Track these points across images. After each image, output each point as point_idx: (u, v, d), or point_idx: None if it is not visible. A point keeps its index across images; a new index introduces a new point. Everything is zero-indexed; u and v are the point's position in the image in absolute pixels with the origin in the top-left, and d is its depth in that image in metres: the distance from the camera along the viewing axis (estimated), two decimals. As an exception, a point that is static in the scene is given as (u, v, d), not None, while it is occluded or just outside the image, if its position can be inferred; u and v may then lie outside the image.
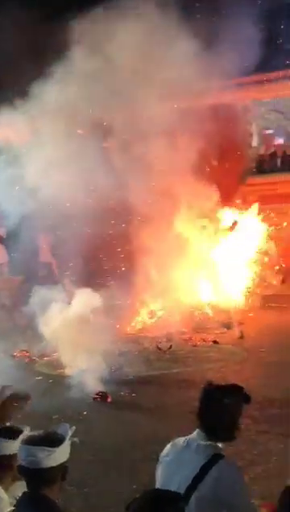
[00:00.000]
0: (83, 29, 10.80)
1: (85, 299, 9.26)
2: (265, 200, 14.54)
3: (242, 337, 11.21)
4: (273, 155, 15.70)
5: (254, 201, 14.45)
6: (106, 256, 12.33)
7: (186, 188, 12.56)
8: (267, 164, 15.79)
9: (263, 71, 13.97)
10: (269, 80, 14.41)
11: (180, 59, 11.11)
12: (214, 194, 12.96)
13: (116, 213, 11.72)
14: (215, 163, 13.27)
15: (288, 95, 15.39)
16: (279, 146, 15.87)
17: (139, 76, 10.99)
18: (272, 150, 15.80)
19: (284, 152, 15.74)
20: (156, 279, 12.41)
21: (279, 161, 15.55)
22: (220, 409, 3.55)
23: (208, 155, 13.03)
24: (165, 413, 7.48)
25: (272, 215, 14.20)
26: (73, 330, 8.90)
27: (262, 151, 16.04)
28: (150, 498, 2.69)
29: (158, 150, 11.47)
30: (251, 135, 16.31)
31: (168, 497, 2.77)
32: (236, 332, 11.50)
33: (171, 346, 10.82)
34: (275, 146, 15.81)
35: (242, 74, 13.09)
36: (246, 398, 3.62)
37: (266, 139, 16.12)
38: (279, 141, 15.86)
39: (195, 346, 11.04)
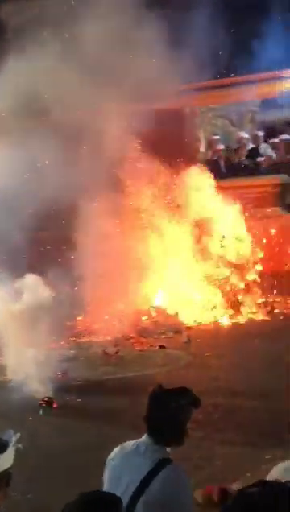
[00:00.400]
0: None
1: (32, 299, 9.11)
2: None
3: (188, 342, 11.26)
4: (217, 161, 15.85)
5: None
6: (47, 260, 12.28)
7: (132, 190, 12.62)
8: (213, 169, 15.91)
9: (211, 77, 14.10)
10: (217, 87, 14.54)
11: (131, 61, 11.16)
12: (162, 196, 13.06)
13: (55, 215, 11.63)
14: (163, 167, 13.31)
15: (236, 101, 15.54)
16: (222, 151, 16.03)
17: (89, 75, 11.00)
18: (218, 155, 15.96)
19: (227, 158, 15.91)
20: (102, 283, 12.40)
21: (222, 167, 15.71)
22: (167, 413, 3.55)
23: (157, 158, 13.09)
24: (112, 418, 7.46)
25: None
26: (17, 332, 8.77)
27: (209, 156, 16.16)
28: (86, 500, 2.66)
29: (105, 151, 11.50)
30: (199, 140, 16.43)
31: (105, 499, 2.74)
32: (183, 336, 11.54)
33: (118, 351, 10.81)
34: (218, 151, 15.97)
35: (192, 80, 13.20)
36: (195, 402, 3.62)
37: (213, 145, 16.25)
38: (221, 147, 16.03)
39: (142, 351, 11.04)
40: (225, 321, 12.63)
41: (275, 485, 2.30)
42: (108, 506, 2.67)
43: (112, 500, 2.74)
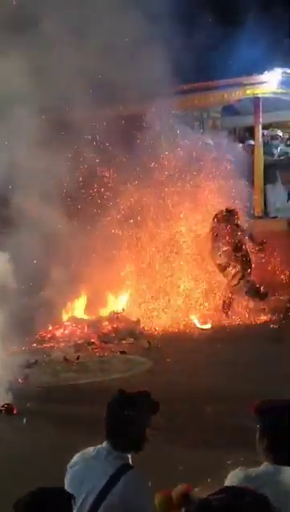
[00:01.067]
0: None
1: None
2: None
3: (149, 347, 11.25)
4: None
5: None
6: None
7: (95, 195, 12.61)
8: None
9: (174, 84, 14.14)
10: (179, 93, 14.59)
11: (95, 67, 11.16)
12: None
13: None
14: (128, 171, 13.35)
15: (197, 108, 15.61)
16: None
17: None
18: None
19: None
20: (64, 290, 12.35)
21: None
22: (126, 419, 3.54)
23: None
24: (72, 423, 7.41)
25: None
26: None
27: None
28: (36, 495, 2.64)
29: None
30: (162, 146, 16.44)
31: (55, 494, 2.73)
32: (144, 342, 11.54)
33: (78, 357, 10.76)
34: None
35: (154, 86, 13.23)
36: (154, 407, 3.61)
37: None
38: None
39: (102, 357, 11.01)
40: (188, 326, 12.65)
41: (238, 492, 2.29)
42: (58, 502, 2.65)
43: (62, 495, 2.72)
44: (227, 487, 2.36)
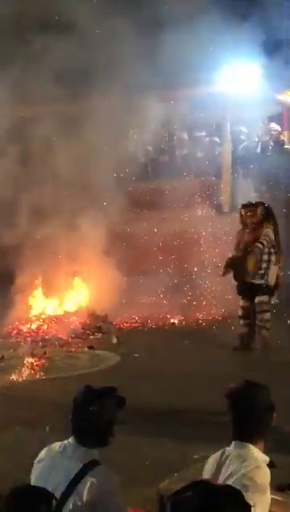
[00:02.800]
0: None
1: None
2: (146, 206, 14.69)
3: (117, 342, 11.24)
4: (144, 163, 15.96)
5: (132, 207, 14.55)
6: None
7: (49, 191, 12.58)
8: (145, 170, 15.99)
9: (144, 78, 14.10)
10: (147, 87, 14.54)
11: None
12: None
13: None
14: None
15: (165, 101, 15.56)
16: (150, 152, 16.11)
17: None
18: (146, 156, 16.04)
19: (154, 160, 16.01)
20: (29, 283, 12.29)
21: (150, 168, 15.81)
22: (91, 414, 3.53)
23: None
24: (38, 420, 7.37)
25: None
26: None
27: (143, 158, 16.23)
28: (19, 493, 2.62)
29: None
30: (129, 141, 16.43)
31: (37, 492, 2.71)
32: (112, 337, 11.52)
33: (45, 352, 10.70)
34: (147, 152, 16.04)
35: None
36: (120, 402, 3.61)
37: (143, 145, 16.29)
38: (149, 148, 16.12)
39: (70, 352, 10.96)
40: (157, 321, 12.64)
41: (205, 486, 2.29)
42: (39, 500, 2.63)
43: (44, 494, 2.71)
44: (195, 483, 2.35)
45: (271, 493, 3.44)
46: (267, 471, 3.36)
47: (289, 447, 6.08)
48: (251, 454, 3.37)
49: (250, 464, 3.30)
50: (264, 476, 3.31)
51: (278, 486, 3.79)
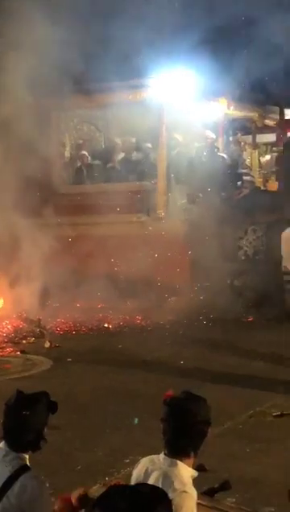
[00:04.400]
0: None
1: None
2: (77, 211, 14.67)
3: (50, 347, 11.18)
4: (80, 167, 15.93)
5: (67, 211, 14.54)
6: None
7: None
8: (78, 175, 15.97)
9: (78, 82, 14.10)
10: (83, 92, 14.54)
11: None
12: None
13: None
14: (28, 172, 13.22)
15: (101, 106, 15.60)
16: (85, 156, 16.10)
17: None
18: (82, 161, 16.01)
19: (90, 164, 16.00)
20: None
21: (85, 172, 15.80)
22: (22, 418, 3.52)
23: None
24: None
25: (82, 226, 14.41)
26: None
27: (77, 162, 16.19)
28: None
29: None
30: (64, 146, 16.40)
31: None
32: (45, 341, 11.45)
33: (-23, 356, 10.58)
34: (83, 156, 16.03)
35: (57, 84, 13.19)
36: (51, 407, 3.61)
37: (79, 150, 16.27)
38: (85, 152, 16.11)
39: (2, 356, 10.85)
40: (90, 325, 12.63)
41: (132, 490, 2.30)
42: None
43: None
44: (121, 486, 2.36)
45: (199, 498, 3.47)
46: (193, 493, 3.35)
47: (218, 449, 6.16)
48: (179, 476, 3.33)
49: (176, 489, 3.26)
50: (190, 501, 3.30)
51: (206, 491, 3.82)
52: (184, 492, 3.27)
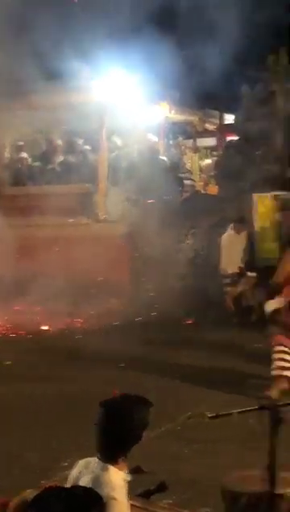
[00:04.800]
0: None
1: None
2: (17, 213, 14.57)
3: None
4: (20, 168, 15.85)
5: (8, 213, 14.43)
6: None
7: None
8: (18, 177, 15.87)
9: (18, 83, 14.01)
10: (23, 93, 14.45)
11: None
12: None
13: None
14: None
15: (42, 108, 15.53)
16: (25, 158, 16.02)
17: None
18: (21, 162, 15.93)
19: (30, 166, 15.93)
20: None
21: (26, 173, 15.73)
22: None
23: None
24: None
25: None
26: None
27: (17, 164, 16.09)
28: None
29: None
30: (4, 147, 16.29)
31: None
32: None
33: None
34: (22, 158, 15.94)
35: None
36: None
37: (19, 151, 16.19)
38: (24, 154, 16.04)
39: None
40: (28, 328, 12.54)
41: (67, 492, 2.31)
42: None
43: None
44: (54, 488, 2.37)
45: (133, 500, 3.47)
46: (122, 498, 3.34)
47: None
48: (109, 482, 3.32)
49: (105, 494, 3.19)
50: (118, 508, 3.29)
51: (142, 493, 3.83)
52: (113, 498, 3.25)
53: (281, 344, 7.97)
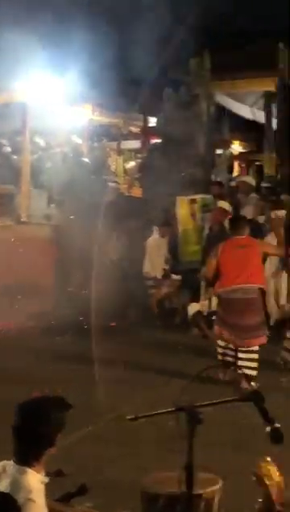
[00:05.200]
0: None
1: None
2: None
3: None
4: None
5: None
6: None
7: None
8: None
9: None
10: None
11: None
12: None
13: None
14: None
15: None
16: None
17: None
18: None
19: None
20: None
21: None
22: None
23: None
24: None
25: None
26: None
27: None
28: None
29: None
30: None
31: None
32: None
33: None
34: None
35: None
36: None
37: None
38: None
39: None
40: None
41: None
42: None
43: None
44: None
45: (52, 504, 3.45)
46: (40, 500, 3.33)
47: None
48: (27, 485, 3.31)
49: (21, 497, 3.21)
50: (36, 510, 3.27)
51: (63, 496, 3.80)
52: (30, 500, 3.24)
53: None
